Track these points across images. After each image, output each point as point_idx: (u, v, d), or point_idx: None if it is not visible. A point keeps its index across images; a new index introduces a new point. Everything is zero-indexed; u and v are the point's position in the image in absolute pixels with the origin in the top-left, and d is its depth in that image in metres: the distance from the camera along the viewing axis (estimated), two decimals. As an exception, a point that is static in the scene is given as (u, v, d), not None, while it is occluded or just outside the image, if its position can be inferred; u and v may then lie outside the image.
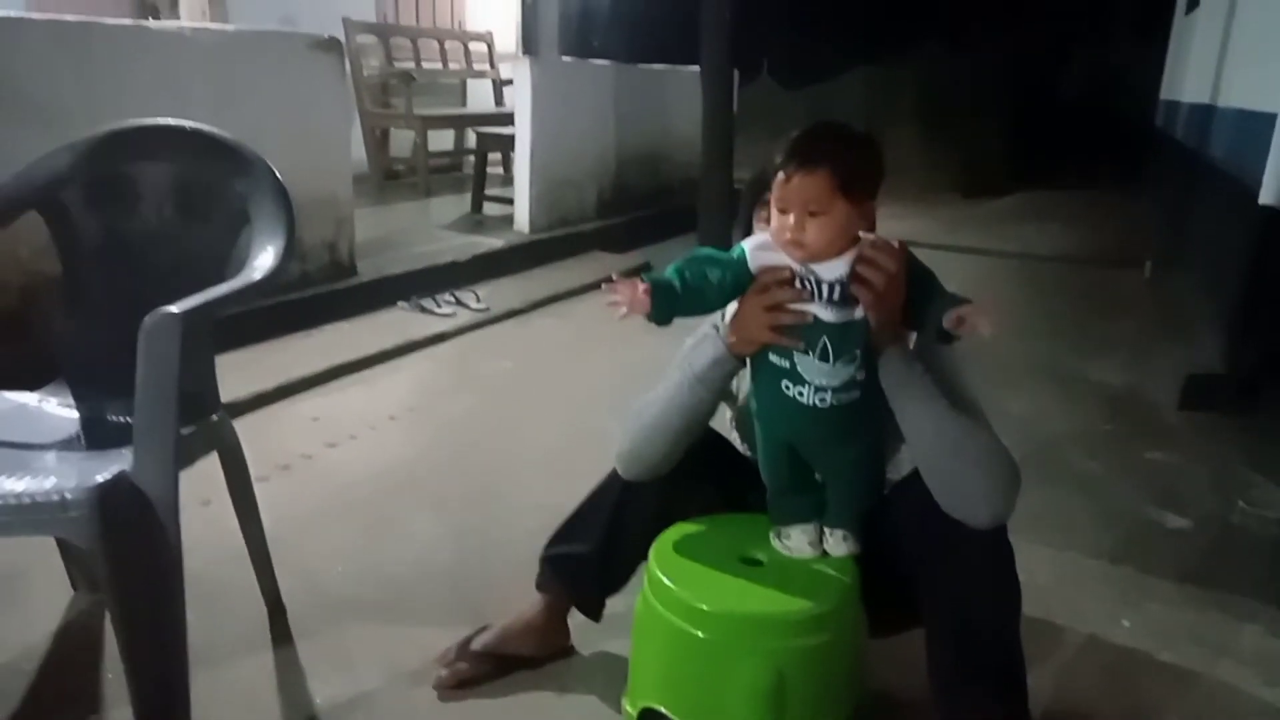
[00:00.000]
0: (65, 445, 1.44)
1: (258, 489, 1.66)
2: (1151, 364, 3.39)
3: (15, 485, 1.21)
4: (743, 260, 1.25)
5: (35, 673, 1.54)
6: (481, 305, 3.88)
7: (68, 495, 1.18)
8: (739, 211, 1.49)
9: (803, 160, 1.18)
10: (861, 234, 1.22)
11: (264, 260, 1.35)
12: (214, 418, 1.51)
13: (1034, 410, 2.93)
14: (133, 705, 1.24)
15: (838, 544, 1.35)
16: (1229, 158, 4.38)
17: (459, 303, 3.88)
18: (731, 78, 5.59)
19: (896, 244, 1.23)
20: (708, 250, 1.29)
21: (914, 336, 1.32)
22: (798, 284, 1.22)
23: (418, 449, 2.55)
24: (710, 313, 1.33)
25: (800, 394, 1.25)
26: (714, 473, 1.51)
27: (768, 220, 1.37)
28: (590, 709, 1.49)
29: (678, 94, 6.09)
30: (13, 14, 2.62)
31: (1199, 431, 2.77)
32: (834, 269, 1.20)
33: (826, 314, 1.21)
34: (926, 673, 1.31)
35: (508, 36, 7.42)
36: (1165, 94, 8.63)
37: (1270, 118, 2.84)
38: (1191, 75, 6.54)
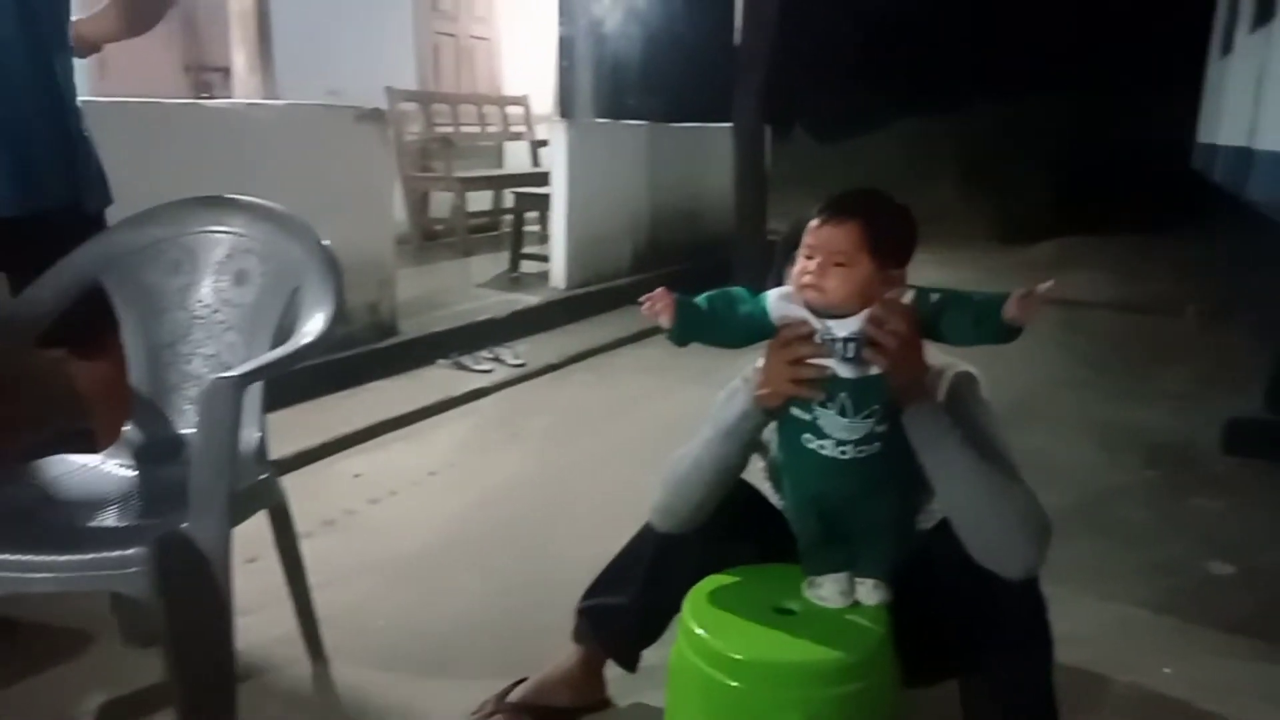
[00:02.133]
0: (124, 503, 1.51)
1: (303, 545, 1.71)
2: (1198, 411, 3.34)
3: (77, 543, 1.28)
4: (764, 307, 1.30)
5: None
6: (519, 361, 3.96)
7: (127, 551, 1.25)
8: (773, 264, 1.54)
9: (838, 210, 1.24)
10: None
11: (313, 325, 1.42)
12: (263, 476, 1.57)
13: (1079, 459, 2.91)
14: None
15: (869, 593, 1.36)
16: (1271, 200, 4.36)
17: (497, 359, 3.96)
18: (764, 134, 5.71)
19: (907, 301, 1.25)
20: (738, 289, 1.35)
21: (942, 387, 1.34)
22: (816, 339, 1.26)
23: (459, 504, 2.60)
24: (728, 346, 1.37)
25: (822, 447, 1.28)
26: (748, 525, 1.53)
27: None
28: (627, 761, 1.50)
29: (711, 150, 6.22)
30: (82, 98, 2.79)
31: (1246, 478, 2.72)
32: (848, 325, 1.24)
33: (844, 370, 1.25)
34: (963, 724, 1.31)
35: (544, 98, 7.65)
36: (1202, 137, 8.62)
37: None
38: (1228, 118, 6.54)
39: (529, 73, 7.68)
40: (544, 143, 6.38)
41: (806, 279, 1.24)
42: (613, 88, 5.89)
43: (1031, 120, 10.36)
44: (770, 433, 1.50)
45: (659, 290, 1.27)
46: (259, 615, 1.79)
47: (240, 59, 4.33)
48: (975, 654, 1.28)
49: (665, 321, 1.27)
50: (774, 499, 1.61)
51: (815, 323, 1.26)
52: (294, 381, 3.16)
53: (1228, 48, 7.64)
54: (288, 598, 1.72)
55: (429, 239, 6.37)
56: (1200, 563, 2.20)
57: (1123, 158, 9.98)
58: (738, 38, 5.44)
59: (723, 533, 1.47)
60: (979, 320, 1.21)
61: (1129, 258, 7.12)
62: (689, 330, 1.29)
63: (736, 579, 1.45)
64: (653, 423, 3.24)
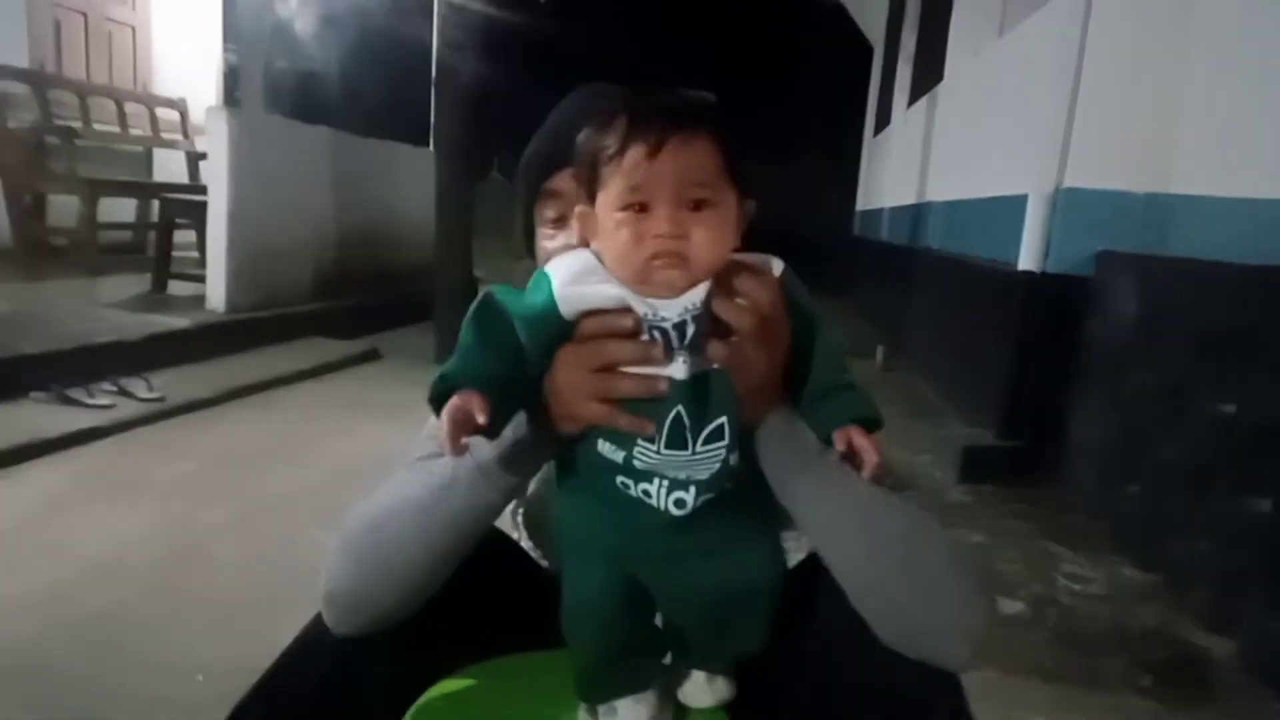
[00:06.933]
0: None
1: None
2: (913, 445, 3.29)
3: None
4: (554, 309, 0.73)
5: None
6: (154, 395, 3.03)
7: None
8: (518, 211, 1.00)
9: (676, 121, 0.70)
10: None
11: None
12: None
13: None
14: None
15: (700, 691, 0.86)
16: (945, 243, 4.65)
17: (122, 392, 3.00)
18: (467, 162, 5.22)
19: (774, 269, 0.76)
20: (497, 299, 0.74)
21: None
22: (645, 331, 0.72)
23: (36, 584, 1.76)
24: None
25: (646, 494, 0.75)
26: (490, 596, 0.95)
27: (554, 222, 0.91)
28: None
29: (411, 172, 5.60)
30: None
31: (986, 505, 2.63)
32: (679, 304, 0.71)
33: (679, 369, 0.72)
34: None
35: (205, 106, 6.55)
36: (862, 205, 9.52)
37: (983, 201, 2.90)
38: (892, 184, 7.16)
39: (189, 73, 6.54)
40: (204, 155, 5.35)
41: (661, 244, 0.69)
42: (294, 81, 5.03)
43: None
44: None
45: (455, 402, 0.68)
46: None
47: None
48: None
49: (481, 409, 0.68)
50: (528, 547, 1.09)
51: (637, 303, 0.71)
52: None
53: (882, 126, 8.50)
54: None
55: (46, 254, 5.05)
56: (985, 600, 1.97)
57: (796, 230, 10.93)
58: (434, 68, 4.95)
59: (447, 620, 0.88)
60: (826, 397, 0.78)
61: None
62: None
63: (473, 684, 0.89)
64: (330, 468, 2.54)
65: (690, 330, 0.71)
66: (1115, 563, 2.19)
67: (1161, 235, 2.57)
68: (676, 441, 0.72)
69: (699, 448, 0.73)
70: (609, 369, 0.72)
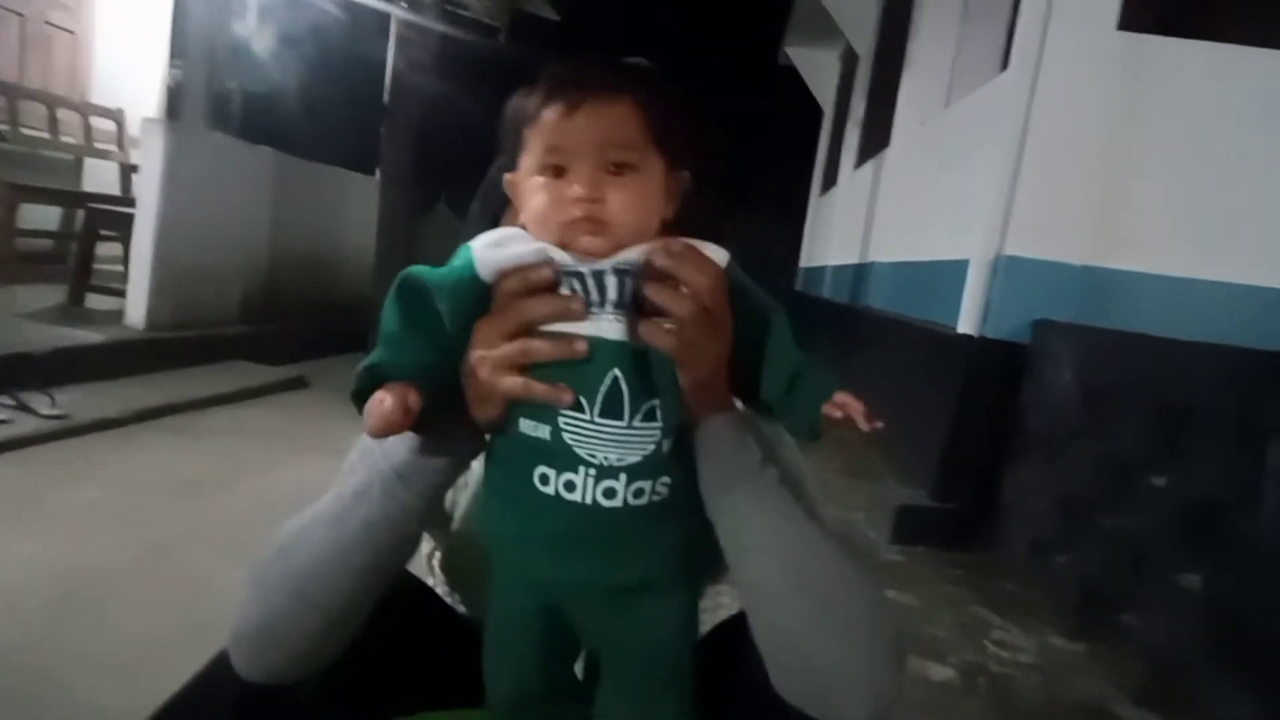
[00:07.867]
0: None
1: None
2: (847, 501, 3.27)
3: None
4: (471, 273, 0.68)
5: None
6: (56, 411, 2.85)
7: None
8: (475, 209, 0.95)
9: (597, 82, 0.68)
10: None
11: None
12: None
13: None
14: None
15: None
16: (886, 303, 4.71)
17: (21, 407, 2.81)
18: (413, 190, 5.16)
19: (716, 258, 0.70)
20: (415, 276, 0.68)
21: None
22: (566, 287, 0.67)
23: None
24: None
25: (569, 486, 0.68)
26: (406, 646, 0.88)
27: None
28: None
29: (350, 200, 5.48)
30: None
31: (921, 567, 2.60)
32: (609, 261, 0.67)
33: (613, 328, 0.67)
34: None
35: (144, 117, 6.35)
36: (806, 262, 9.67)
37: (925, 264, 2.94)
38: (837, 242, 7.28)
39: (130, 84, 6.34)
40: (136, 168, 5.16)
41: (576, 213, 0.66)
42: (243, 100, 4.91)
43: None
44: (454, 489, 0.91)
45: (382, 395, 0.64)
46: None
47: None
48: None
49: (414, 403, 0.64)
50: (445, 594, 1.03)
51: (558, 254, 0.66)
52: None
53: (829, 185, 8.68)
54: None
55: (-48, 259, 4.78)
56: (916, 664, 1.93)
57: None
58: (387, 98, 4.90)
59: (363, 665, 0.80)
60: (795, 385, 0.71)
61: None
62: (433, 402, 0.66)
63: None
64: (249, 502, 2.41)
65: (611, 284, 0.66)
66: (1045, 631, 2.17)
67: (1100, 307, 2.62)
68: (613, 410, 0.66)
69: (636, 421, 0.67)
70: (523, 332, 0.67)
